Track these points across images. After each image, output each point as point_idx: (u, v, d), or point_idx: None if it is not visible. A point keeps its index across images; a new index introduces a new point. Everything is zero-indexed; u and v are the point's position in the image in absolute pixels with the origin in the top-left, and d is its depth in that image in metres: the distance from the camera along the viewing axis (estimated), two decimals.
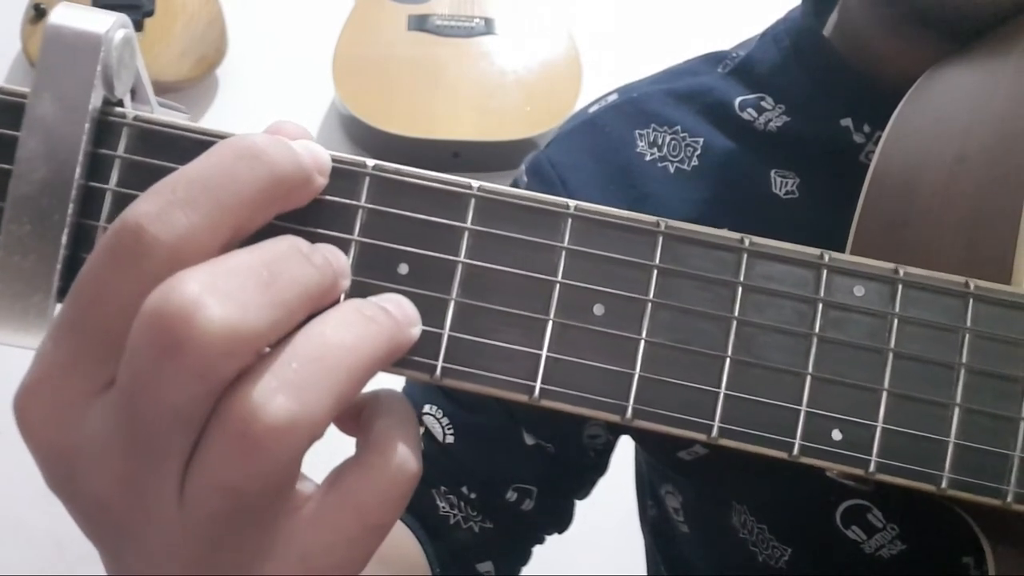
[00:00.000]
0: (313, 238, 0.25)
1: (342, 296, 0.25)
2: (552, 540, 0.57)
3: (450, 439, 0.51)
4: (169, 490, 0.22)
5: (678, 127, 0.51)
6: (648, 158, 0.51)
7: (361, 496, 0.23)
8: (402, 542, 0.49)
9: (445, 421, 0.52)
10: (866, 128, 0.46)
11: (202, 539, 0.23)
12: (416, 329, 0.25)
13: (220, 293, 0.21)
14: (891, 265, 0.28)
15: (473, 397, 0.51)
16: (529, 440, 0.52)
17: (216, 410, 0.22)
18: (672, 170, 0.50)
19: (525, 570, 0.56)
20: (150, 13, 1.29)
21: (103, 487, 0.23)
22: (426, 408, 0.52)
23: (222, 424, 0.21)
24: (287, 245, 0.23)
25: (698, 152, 0.50)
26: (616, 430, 0.54)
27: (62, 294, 0.25)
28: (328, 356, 0.22)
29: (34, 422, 0.23)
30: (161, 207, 0.22)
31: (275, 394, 0.21)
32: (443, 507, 0.51)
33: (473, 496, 0.51)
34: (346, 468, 0.24)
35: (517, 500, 0.52)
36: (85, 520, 0.24)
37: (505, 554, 0.54)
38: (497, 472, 0.52)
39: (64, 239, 0.24)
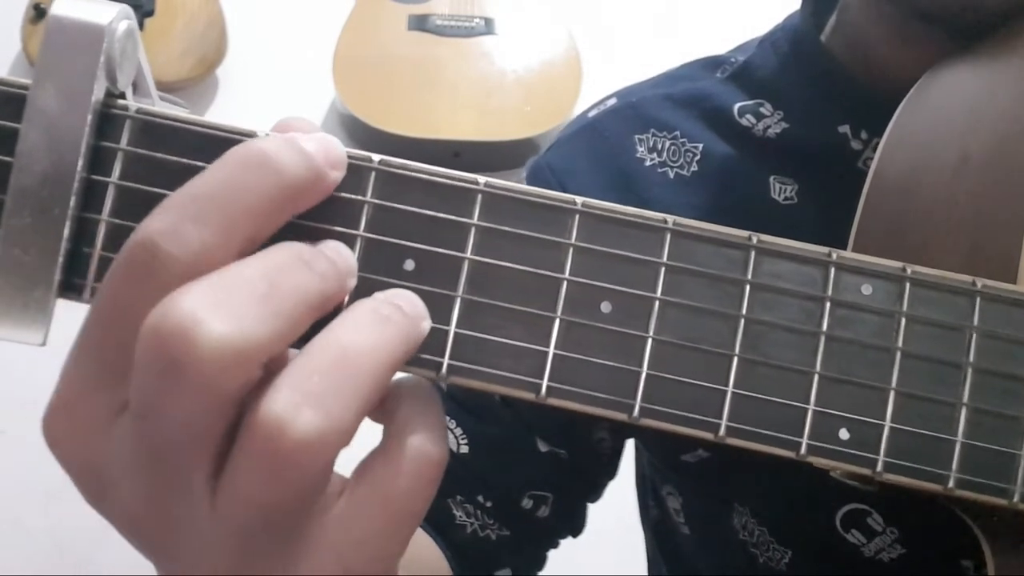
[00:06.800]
0: (318, 234, 0.25)
1: (346, 298, 0.25)
2: None
3: (464, 449, 0.51)
4: (197, 503, 0.22)
5: (677, 132, 0.51)
6: (648, 163, 0.51)
7: (389, 487, 0.23)
8: (423, 547, 0.49)
9: (459, 432, 0.52)
10: (864, 135, 0.46)
11: (237, 550, 0.23)
12: (427, 323, 0.25)
13: (217, 307, 0.21)
14: (899, 264, 0.28)
15: (486, 407, 0.51)
16: (543, 447, 0.52)
17: (243, 427, 0.22)
18: (672, 176, 0.50)
19: None
20: (150, 13, 1.29)
21: (132, 505, 0.23)
22: None
23: (250, 441, 0.21)
24: (287, 255, 0.23)
25: (697, 158, 0.50)
26: (621, 434, 0.54)
27: (63, 289, 0.24)
28: (348, 363, 0.22)
29: (62, 442, 0.23)
30: (173, 223, 0.22)
31: (300, 408, 0.21)
32: (460, 516, 0.51)
33: (489, 505, 0.51)
34: (372, 460, 0.24)
35: (533, 507, 0.52)
36: (124, 533, 0.24)
37: (522, 560, 0.54)
38: (513, 480, 0.52)
39: (66, 232, 0.24)
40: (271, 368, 0.22)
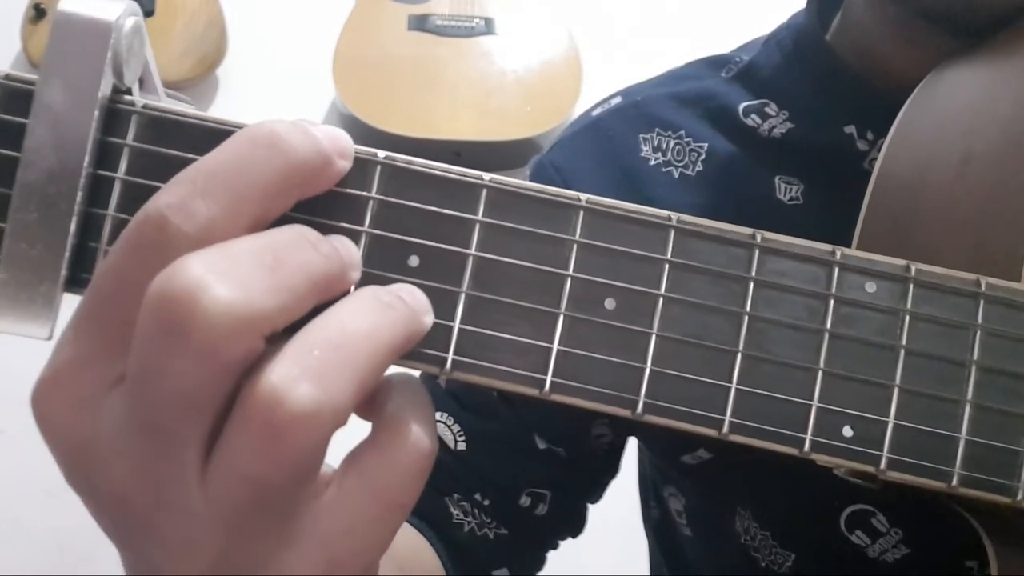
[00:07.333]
0: (324, 229, 0.25)
1: (352, 288, 0.25)
2: None
3: (462, 446, 0.51)
4: (187, 480, 0.22)
5: (682, 132, 0.51)
6: (652, 163, 0.51)
7: (379, 477, 0.23)
8: (418, 550, 0.49)
9: (456, 428, 0.51)
10: (869, 135, 0.46)
11: (225, 530, 0.22)
12: (429, 318, 0.25)
13: (224, 274, 0.21)
14: (903, 262, 0.28)
15: (484, 404, 0.51)
16: (541, 444, 0.52)
17: (239, 398, 0.21)
18: (676, 175, 0.50)
19: None
20: (150, 13, 1.29)
21: (120, 479, 0.22)
22: (437, 416, 0.52)
23: (245, 412, 0.21)
24: (294, 233, 0.23)
25: (702, 157, 0.50)
26: (622, 430, 0.54)
27: (69, 283, 0.24)
28: (348, 343, 0.22)
29: (51, 415, 0.23)
30: (183, 198, 0.22)
31: (298, 382, 0.21)
32: (457, 514, 0.51)
33: (487, 503, 0.51)
34: (362, 450, 0.24)
35: (531, 505, 0.52)
36: (106, 518, 0.24)
37: (520, 560, 0.54)
38: (510, 477, 0.52)
39: (72, 228, 0.24)
40: (268, 352, 0.22)
